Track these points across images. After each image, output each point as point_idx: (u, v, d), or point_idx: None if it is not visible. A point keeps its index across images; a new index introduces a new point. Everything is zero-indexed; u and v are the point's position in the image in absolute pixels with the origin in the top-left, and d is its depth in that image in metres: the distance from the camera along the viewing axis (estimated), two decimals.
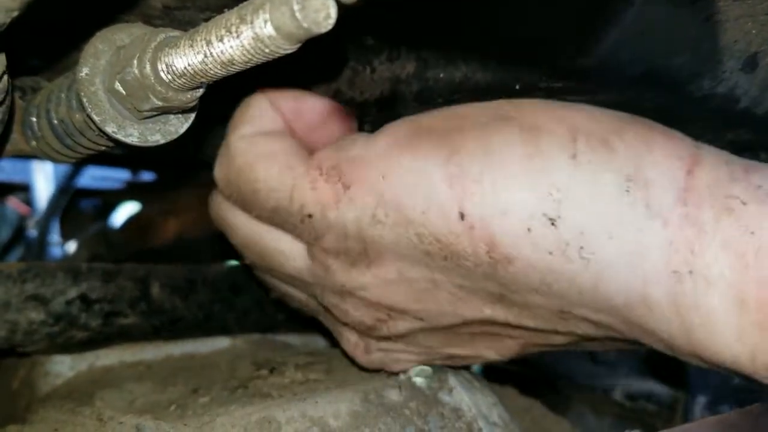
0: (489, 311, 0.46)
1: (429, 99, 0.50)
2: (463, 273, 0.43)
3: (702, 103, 0.50)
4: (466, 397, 0.53)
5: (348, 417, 0.49)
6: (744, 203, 0.37)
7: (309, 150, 0.50)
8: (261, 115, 0.50)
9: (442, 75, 0.49)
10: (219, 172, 0.51)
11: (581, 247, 0.38)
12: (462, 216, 0.40)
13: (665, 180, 0.38)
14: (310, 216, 0.46)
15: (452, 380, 0.54)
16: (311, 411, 0.49)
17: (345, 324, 0.52)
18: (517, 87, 0.45)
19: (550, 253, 0.39)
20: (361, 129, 0.58)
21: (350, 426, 0.48)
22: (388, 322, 0.50)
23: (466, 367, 0.58)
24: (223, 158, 0.50)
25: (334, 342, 0.71)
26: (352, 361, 0.56)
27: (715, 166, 0.39)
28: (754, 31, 0.46)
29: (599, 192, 0.38)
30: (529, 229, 0.39)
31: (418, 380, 0.53)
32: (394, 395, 0.52)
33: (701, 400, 0.64)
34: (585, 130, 0.40)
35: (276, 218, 0.49)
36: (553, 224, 0.38)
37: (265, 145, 0.48)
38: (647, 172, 0.38)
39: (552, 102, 0.43)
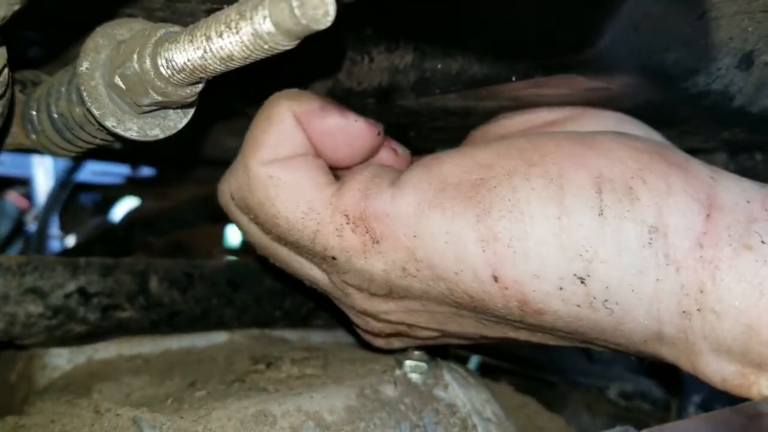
0: (513, 334, 0.47)
1: (426, 90, 0.50)
2: (491, 315, 0.44)
3: (697, 100, 0.50)
4: (461, 394, 0.53)
5: (343, 412, 0.49)
6: (763, 242, 0.39)
7: (333, 168, 0.49)
8: (285, 138, 0.47)
9: (439, 66, 0.49)
10: (236, 192, 0.48)
11: (606, 300, 0.40)
12: (495, 279, 0.41)
13: (684, 226, 0.40)
14: (333, 258, 0.45)
15: (447, 376, 0.54)
16: (307, 405, 0.49)
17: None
18: (514, 78, 0.45)
19: (578, 306, 0.41)
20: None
21: (345, 421, 0.49)
22: (408, 332, 0.51)
23: (463, 362, 0.59)
24: (242, 183, 0.47)
25: (330, 337, 0.71)
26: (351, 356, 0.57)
27: (734, 207, 0.40)
28: (750, 29, 0.46)
29: (624, 246, 0.39)
30: (560, 288, 0.40)
31: (414, 376, 0.54)
32: (389, 390, 0.52)
33: (695, 400, 0.65)
34: (608, 177, 0.40)
35: (295, 248, 0.48)
36: (582, 282, 0.40)
37: (288, 175, 0.46)
38: (668, 219, 0.39)
39: (572, 137, 0.43)
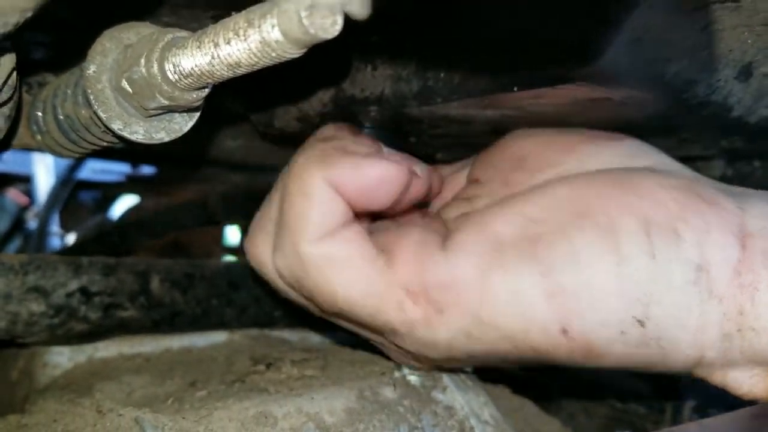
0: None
1: (428, 98, 0.50)
2: (549, 362, 0.46)
3: (696, 110, 0.51)
4: (459, 396, 0.54)
5: (343, 413, 0.50)
6: None
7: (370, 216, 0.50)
8: (328, 211, 0.45)
9: (442, 75, 0.49)
10: (288, 273, 0.47)
11: (659, 338, 0.42)
12: (564, 332, 0.42)
13: (723, 259, 0.42)
14: (394, 330, 0.45)
15: (446, 379, 0.55)
16: (307, 407, 0.49)
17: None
18: (515, 89, 0.45)
19: (636, 346, 0.43)
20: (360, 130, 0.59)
21: (345, 422, 0.49)
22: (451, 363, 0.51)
23: None
24: (295, 265, 0.46)
25: (329, 338, 0.72)
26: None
27: (763, 231, 0.43)
28: (749, 41, 0.47)
29: (674, 286, 0.42)
30: (622, 332, 0.42)
31: (413, 378, 0.54)
32: (388, 393, 0.53)
33: (690, 403, 0.65)
34: (655, 221, 0.43)
35: (353, 322, 0.48)
36: (641, 325, 0.42)
37: (342, 253, 0.45)
38: (709, 256, 0.42)
39: (611, 182, 0.45)
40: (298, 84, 0.58)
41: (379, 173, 0.45)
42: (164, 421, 0.45)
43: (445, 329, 0.44)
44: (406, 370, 0.55)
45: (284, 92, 0.60)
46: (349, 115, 0.56)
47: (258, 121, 0.65)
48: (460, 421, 0.53)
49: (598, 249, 0.42)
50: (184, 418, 0.46)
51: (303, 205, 0.45)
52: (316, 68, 0.56)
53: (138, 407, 0.47)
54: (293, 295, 0.50)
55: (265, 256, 0.49)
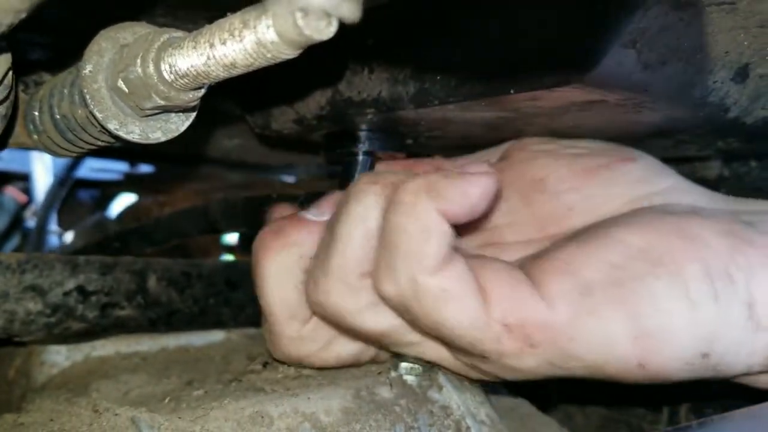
0: None
1: (425, 101, 0.51)
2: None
3: (693, 111, 0.51)
4: (455, 396, 0.54)
5: (339, 413, 0.50)
6: None
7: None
8: (442, 242, 0.45)
9: (438, 77, 0.49)
10: (397, 299, 0.47)
11: (717, 365, 0.48)
12: (642, 366, 0.47)
13: (766, 294, 0.48)
14: (485, 357, 0.49)
15: (442, 379, 0.55)
16: (303, 406, 0.49)
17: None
18: (512, 92, 0.46)
19: (696, 372, 0.48)
20: (356, 132, 0.59)
21: (341, 422, 0.49)
22: None
23: None
24: (407, 293, 0.46)
25: None
26: None
27: None
28: (746, 43, 0.47)
29: (733, 324, 0.47)
30: (687, 363, 0.47)
31: (409, 378, 0.54)
32: (385, 392, 0.53)
33: (686, 404, 0.65)
34: (713, 266, 0.48)
35: (442, 343, 0.51)
36: (705, 357, 0.47)
37: (453, 285, 0.46)
38: (755, 293, 0.48)
39: (668, 228, 0.50)
40: (295, 87, 0.58)
41: (482, 190, 0.46)
42: (160, 421, 0.45)
43: (533, 360, 0.48)
44: (402, 370, 0.55)
45: (281, 95, 0.60)
46: (345, 117, 0.57)
47: (255, 123, 0.65)
48: (456, 421, 0.53)
49: (673, 295, 0.47)
50: (180, 417, 0.46)
51: (419, 238, 0.46)
52: (312, 71, 0.56)
53: (134, 406, 0.47)
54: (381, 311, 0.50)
55: (348, 303, 0.50)
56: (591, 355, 0.47)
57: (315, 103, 0.58)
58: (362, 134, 0.60)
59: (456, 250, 0.48)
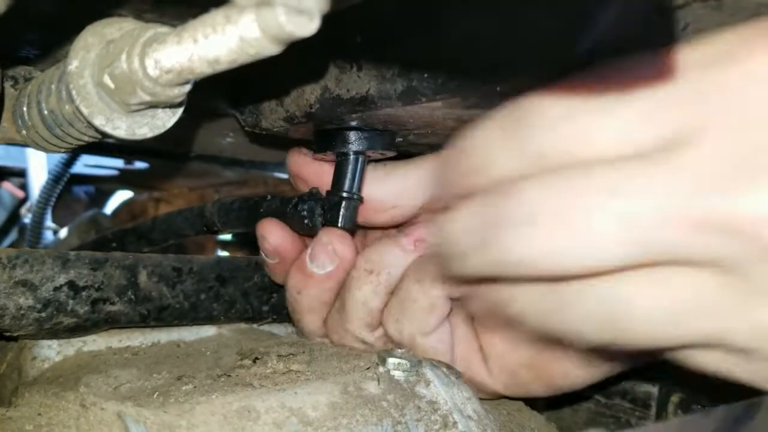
0: None
1: (413, 98, 0.51)
2: None
3: None
4: (443, 391, 0.54)
5: (326, 408, 0.50)
6: None
7: None
8: (442, 315, 0.63)
9: (426, 75, 0.50)
10: (396, 339, 0.64)
11: None
12: None
13: None
14: None
15: (430, 374, 0.55)
16: (290, 401, 0.50)
17: None
18: (498, 89, 0.46)
19: None
20: (346, 130, 0.60)
21: (328, 417, 0.49)
22: None
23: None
24: (407, 342, 0.63)
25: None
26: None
27: None
28: None
29: None
30: None
31: (397, 373, 0.54)
32: (372, 387, 0.53)
33: (674, 399, 0.66)
34: None
35: None
36: None
37: (436, 343, 0.65)
38: None
39: None
40: (284, 84, 0.58)
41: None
42: (147, 415, 0.45)
43: None
44: (390, 366, 0.55)
45: (270, 93, 0.60)
46: (335, 115, 0.57)
47: (245, 122, 0.65)
48: (443, 416, 0.53)
49: None
50: (166, 412, 0.46)
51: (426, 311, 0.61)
52: (302, 69, 0.56)
53: (122, 401, 0.48)
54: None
55: (360, 344, 0.67)
56: None
57: (304, 101, 0.58)
58: (351, 132, 0.60)
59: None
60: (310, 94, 0.57)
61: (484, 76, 0.46)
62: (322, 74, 0.56)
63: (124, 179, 1.74)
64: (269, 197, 0.69)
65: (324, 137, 0.62)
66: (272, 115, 0.62)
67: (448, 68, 0.48)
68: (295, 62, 0.55)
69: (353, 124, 0.59)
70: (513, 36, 0.45)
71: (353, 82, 0.54)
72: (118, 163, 1.69)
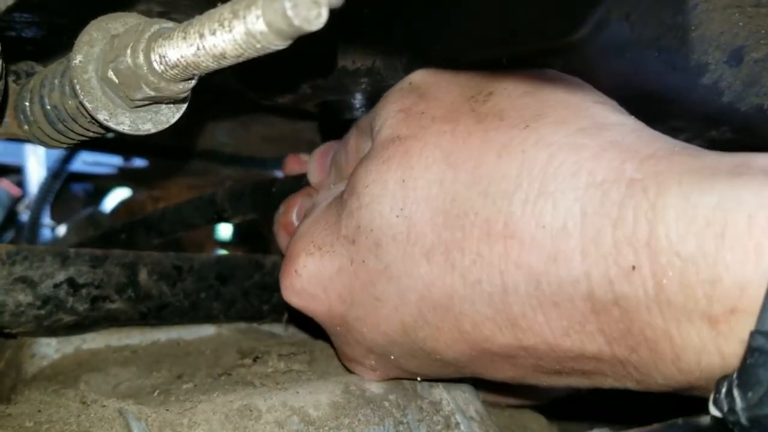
0: None
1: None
2: None
3: (685, 92, 0.50)
4: (445, 392, 0.54)
5: (328, 407, 0.50)
6: None
7: None
8: None
9: (431, 47, 0.49)
10: None
11: None
12: None
13: None
14: None
15: None
16: (292, 400, 0.49)
17: None
18: (504, 61, 0.46)
19: None
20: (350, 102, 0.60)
21: (330, 416, 0.49)
22: None
23: None
24: None
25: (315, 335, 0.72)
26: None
27: None
28: (741, 23, 0.46)
29: None
30: None
31: None
32: (374, 387, 0.53)
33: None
34: None
35: None
36: None
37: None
38: None
39: None
40: (293, 58, 0.58)
41: None
42: (148, 413, 0.45)
43: None
44: None
45: (280, 68, 0.60)
46: (340, 86, 0.56)
47: (257, 95, 0.65)
48: (445, 417, 0.53)
49: None
50: (167, 410, 0.46)
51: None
52: (308, 40, 0.56)
53: (122, 399, 0.47)
54: None
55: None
56: None
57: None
58: (356, 103, 0.60)
59: None
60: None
61: (490, 48, 0.46)
62: (328, 46, 0.55)
63: (122, 177, 1.73)
64: (281, 178, 0.70)
65: (327, 107, 0.63)
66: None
67: (453, 40, 0.48)
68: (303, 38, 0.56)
69: (358, 95, 0.59)
70: (519, 8, 0.44)
71: (359, 53, 0.53)
72: (117, 160, 1.69)
